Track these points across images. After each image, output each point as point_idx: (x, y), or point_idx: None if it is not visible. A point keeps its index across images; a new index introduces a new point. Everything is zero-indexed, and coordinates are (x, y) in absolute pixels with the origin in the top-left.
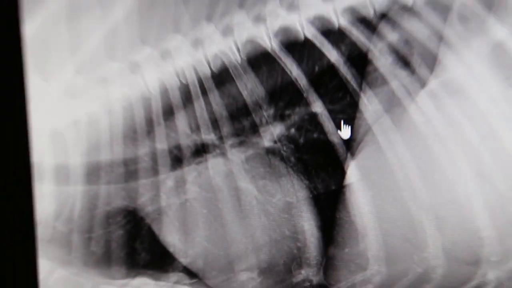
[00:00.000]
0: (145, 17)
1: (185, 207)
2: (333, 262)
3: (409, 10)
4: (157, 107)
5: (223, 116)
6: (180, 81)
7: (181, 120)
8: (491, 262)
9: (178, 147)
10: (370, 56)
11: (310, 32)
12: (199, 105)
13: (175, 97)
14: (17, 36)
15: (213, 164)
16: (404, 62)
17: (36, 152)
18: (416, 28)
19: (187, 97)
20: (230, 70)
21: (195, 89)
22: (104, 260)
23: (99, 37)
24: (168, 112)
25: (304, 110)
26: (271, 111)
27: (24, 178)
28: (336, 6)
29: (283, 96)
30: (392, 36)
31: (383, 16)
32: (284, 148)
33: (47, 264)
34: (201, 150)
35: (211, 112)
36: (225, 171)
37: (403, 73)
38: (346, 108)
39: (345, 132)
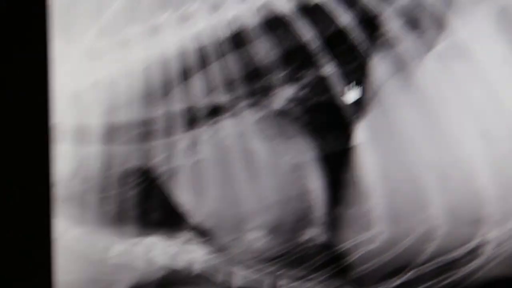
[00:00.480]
0: None
1: (197, 167)
2: (339, 222)
3: None
4: (174, 69)
5: (236, 78)
6: (198, 44)
7: (197, 83)
8: (491, 222)
9: (193, 109)
10: (379, 20)
11: None
12: (214, 67)
13: (192, 60)
14: (43, 1)
15: (226, 125)
16: (412, 25)
17: (56, 112)
18: None
19: (203, 60)
20: (246, 34)
21: (211, 52)
22: (117, 219)
23: (120, 2)
24: (185, 75)
25: (314, 72)
26: (283, 74)
27: (42, 137)
28: None
29: (295, 59)
30: (401, 0)
31: None
32: (294, 110)
33: (62, 223)
34: (214, 112)
35: (225, 75)
36: (237, 132)
37: (410, 37)
38: (355, 71)
39: (353, 94)
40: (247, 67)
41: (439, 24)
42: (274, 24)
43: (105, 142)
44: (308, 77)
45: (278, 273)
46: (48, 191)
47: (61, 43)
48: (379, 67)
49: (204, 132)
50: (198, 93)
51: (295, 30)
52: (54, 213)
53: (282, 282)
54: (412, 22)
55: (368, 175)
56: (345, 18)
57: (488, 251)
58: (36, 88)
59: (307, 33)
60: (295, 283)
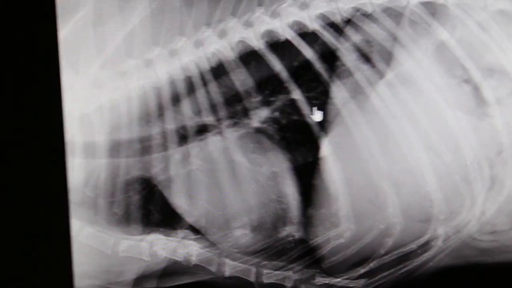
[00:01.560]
0: (157, 22)
1: (189, 176)
2: (311, 221)
3: (369, 16)
4: (166, 95)
5: (220, 102)
6: (185, 74)
7: (186, 106)
8: (440, 220)
9: (184, 127)
10: (338, 53)
11: (289, 34)
12: (200, 93)
13: (181, 87)
14: (54, 38)
15: (212, 141)
16: (366, 58)
17: (68, 131)
18: (375, 31)
19: (190, 87)
20: (225, 65)
21: (197, 81)
22: (124, 220)
23: (119, 39)
24: (175, 99)
25: (285, 97)
26: (259, 98)
27: (59, 153)
28: (310, 13)
29: (268, 85)
30: (355, 37)
31: (348, 21)
32: (270, 128)
33: (78, 223)
34: (202, 130)
35: (210, 99)
36: (222, 146)
37: (365, 67)
38: (320, 95)
39: (319, 115)
40: (228, 93)
41: (388, 57)
42: (249, 58)
43: (110, 156)
44: (280, 101)
45: (262, 263)
46: (65, 196)
47: (70, 74)
48: (339, 92)
49: (194, 147)
50: (188, 114)
51: (267, 62)
52: (71, 215)
53: (266, 271)
54: (365, 55)
55: (335, 182)
56: (308, 52)
57: (437, 244)
58: (51, 112)
59: (277, 64)
60: (277, 272)
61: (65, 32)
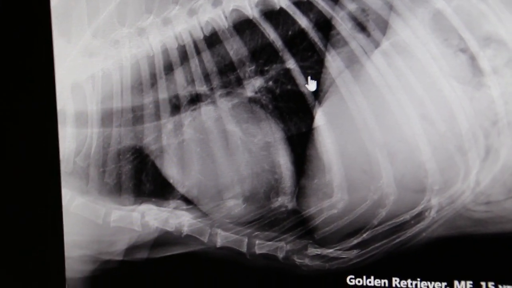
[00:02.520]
0: None
1: (182, 146)
2: (304, 191)
3: None
4: (159, 64)
5: (213, 71)
6: (178, 43)
7: (179, 75)
8: (434, 190)
9: (177, 97)
10: (333, 22)
11: (284, 3)
12: (193, 62)
13: (174, 56)
14: (46, 7)
15: (205, 110)
16: (361, 27)
17: (60, 100)
18: None
19: (184, 56)
20: (219, 34)
21: (190, 50)
22: (115, 190)
23: (112, 7)
24: (168, 68)
25: (279, 66)
26: (253, 67)
27: (50, 122)
28: None
29: (263, 55)
30: (351, 5)
31: None
32: (264, 98)
33: (69, 193)
34: (195, 99)
35: (203, 68)
36: (215, 116)
37: (360, 36)
38: (314, 65)
39: (313, 84)
40: (222, 62)
41: (383, 26)
42: (244, 26)
43: (102, 125)
44: (274, 70)
45: (254, 234)
46: (56, 166)
47: (62, 43)
48: (334, 61)
49: (187, 117)
50: (181, 84)
51: (262, 31)
52: (62, 184)
53: (258, 241)
54: (361, 24)
55: (328, 152)
56: (304, 21)
57: (431, 215)
58: (43, 80)
59: (271, 33)
60: (269, 243)
61: (56, 1)
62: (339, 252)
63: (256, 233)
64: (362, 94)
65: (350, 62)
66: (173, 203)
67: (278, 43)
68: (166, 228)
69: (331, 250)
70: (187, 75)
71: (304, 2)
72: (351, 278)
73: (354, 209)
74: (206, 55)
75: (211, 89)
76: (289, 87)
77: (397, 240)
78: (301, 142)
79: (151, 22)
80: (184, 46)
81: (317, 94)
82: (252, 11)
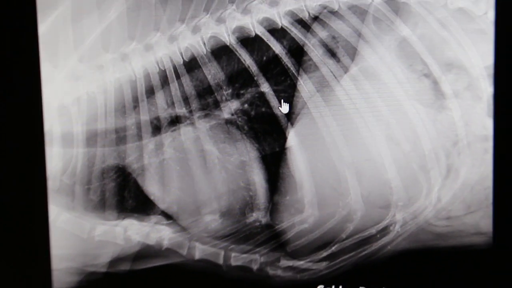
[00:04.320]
0: (132, 18)
1: (162, 164)
2: (277, 207)
3: (335, 13)
4: (141, 88)
5: (192, 94)
6: (159, 68)
7: (160, 98)
8: (398, 206)
9: (158, 118)
10: (305, 48)
11: (259, 30)
12: (174, 86)
13: (155, 80)
14: (34, 33)
15: (185, 131)
16: (331, 53)
17: (47, 122)
18: (340, 27)
19: (164, 80)
20: (198, 60)
21: (170, 74)
22: (100, 206)
23: (96, 34)
24: (150, 92)
25: (254, 90)
26: (229, 91)
27: (37, 142)
28: (279, 10)
29: (239, 79)
30: (322, 33)
31: (315, 18)
32: (239, 119)
33: (56, 209)
34: (175, 121)
35: (183, 92)
36: (193, 137)
37: (331, 62)
38: (287, 89)
39: (286, 107)
40: (200, 86)
41: (352, 52)
42: (221, 52)
43: (87, 145)
44: (250, 93)
45: (230, 247)
46: (44, 184)
47: (49, 67)
48: (306, 85)
49: (167, 137)
50: (161, 106)
51: (238, 56)
52: (49, 201)
53: (234, 254)
54: (331, 51)
55: (300, 170)
56: (277, 47)
57: (395, 229)
58: (30, 103)
59: (247, 59)
60: (244, 255)
61: (44, 27)
62: (310, 263)
63: (232, 246)
64: (332, 116)
65: (320, 86)
66: (154, 218)
67: (253, 68)
68: (147, 242)
69: (302, 262)
70: (168, 98)
71: (278, 29)
72: None
73: (324, 223)
74: (186, 79)
75: (190, 111)
76: (263, 109)
77: (364, 252)
78: (274, 161)
79: (133, 48)
80: (164, 71)
81: (290, 116)
82: (229, 38)
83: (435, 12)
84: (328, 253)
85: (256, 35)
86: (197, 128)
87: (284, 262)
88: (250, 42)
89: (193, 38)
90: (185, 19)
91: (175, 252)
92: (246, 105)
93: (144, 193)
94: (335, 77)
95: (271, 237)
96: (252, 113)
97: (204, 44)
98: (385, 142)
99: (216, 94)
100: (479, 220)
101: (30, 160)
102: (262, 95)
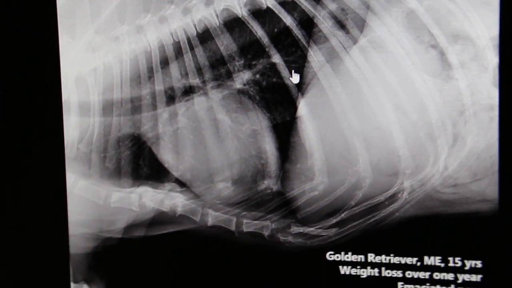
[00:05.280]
0: None
1: (176, 133)
2: (288, 175)
3: None
4: (156, 59)
5: (205, 65)
6: (173, 39)
7: (174, 69)
8: (406, 174)
9: (172, 89)
10: (315, 20)
11: (271, 3)
12: (187, 57)
13: (170, 51)
14: (52, 6)
15: (198, 101)
16: (341, 25)
17: (64, 92)
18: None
19: (178, 52)
20: (211, 31)
21: (184, 45)
22: (115, 174)
23: (113, 6)
24: (164, 63)
25: (266, 61)
26: (242, 62)
27: (55, 111)
28: None
29: (251, 50)
30: (331, 5)
31: None
32: (251, 89)
33: (73, 177)
34: (189, 91)
35: (196, 63)
36: (206, 106)
37: (340, 33)
38: (298, 59)
39: (297, 77)
40: (213, 57)
41: (361, 24)
42: (233, 24)
43: (103, 114)
44: (261, 64)
45: (242, 214)
46: (61, 152)
47: (67, 39)
48: (316, 56)
49: (181, 107)
50: (175, 77)
51: (250, 28)
52: (66, 169)
53: (245, 221)
54: (340, 22)
55: (310, 139)
56: (288, 19)
57: (403, 197)
58: (49, 73)
59: (259, 30)
60: (256, 222)
61: (62, 0)
62: (320, 230)
63: (244, 213)
64: (341, 86)
65: (330, 57)
66: (168, 185)
67: (265, 39)
68: (161, 209)
69: (312, 229)
70: (181, 69)
71: (288, 2)
72: (330, 254)
73: (333, 191)
74: (199, 51)
75: (203, 82)
76: (274, 79)
77: (373, 219)
78: (285, 130)
79: (148, 20)
80: (178, 42)
81: (300, 86)
82: (241, 10)
83: None
84: (337, 220)
85: (268, 7)
86: (210, 98)
87: (295, 229)
88: (261, 14)
89: (206, 10)
90: None
91: (189, 219)
92: (257, 76)
93: (159, 161)
94: (344, 48)
95: (282, 204)
96: (264, 83)
97: (217, 16)
98: (393, 111)
99: (228, 65)
100: (485, 187)
101: (48, 128)
102: (273, 65)
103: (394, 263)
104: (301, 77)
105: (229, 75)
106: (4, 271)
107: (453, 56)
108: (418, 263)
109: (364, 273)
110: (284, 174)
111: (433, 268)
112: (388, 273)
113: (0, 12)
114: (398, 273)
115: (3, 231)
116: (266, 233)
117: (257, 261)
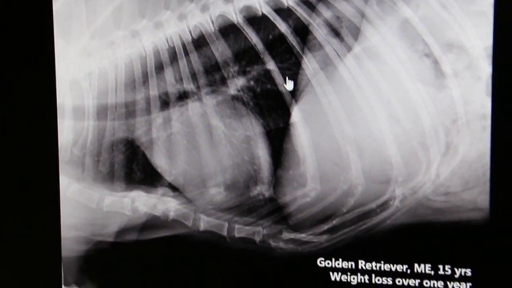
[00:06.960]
0: None
1: (170, 138)
2: (280, 181)
3: None
4: (150, 64)
5: (200, 71)
6: (169, 45)
7: (169, 74)
8: (398, 181)
9: (166, 94)
10: (310, 28)
11: (266, 10)
12: (182, 62)
13: (165, 56)
14: (48, 10)
15: (192, 106)
16: (335, 33)
17: (59, 95)
18: (344, 8)
19: (173, 57)
20: (206, 37)
21: (179, 51)
22: (109, 177)
23: (108, 11)
24: (159, 68)
25: (260, 67)
26: (236, 68)
27: (50, 114)
28: None
29: (245, 56)
30: (326, 13)
31: None
32: (245, 96)
33: (66, 180)
34: (183, 96)
35: (191, 68)
36: (200, 112)
37: (334, 41)
38: (292, 66)
39: (291, 84)
40: (208, 62)
41: (356, 32)
42: (228, 31)
43: (98, 118)
44: (256, 70)
45: (234, 219)
46: (55, 155)
47: (63, 43)
48: (310, 63)
49: (175, 112)
50: (170, 82)
51: (245, 35)
52: (59, 172)
53: (237, 226)
54: (335, 30)
55: (303, 145)
56: (283, 26)
57: (395, 204)
58: (44, 77)
59: (254, 37)
60: (247, 227)
61: (58, 5)
62: (311, 236)
63: (236, 218)
64: (335, 94)
65: (324, 64)
66: (161, 190)
67: (260, 46)
68: (154, 213)
69: (303, 235)
70: (176, 74)
71: (284, 9)
72: (321, 260)
73: (325, 197)
74: (194, 56)
75: (198, 87)
76: (268, 86)
77: (364, 226)
78: (278, 136)
79: (144, 26)
80: (173, 48)
81: (294, 93)
82: (236, 17)
83: None
84: (329, 227)
85: (263, 14)
86: (204, 104)
87: (286, 235)
88: (256, 21)
89: (202, 16)
90: None
91: (181, 223)
92: (252, 82)
93: (152, 166)
94: (339, 56)
95: (274, 210)
96: (258, 89)
97: (212, 22)
98: (386, 119)
99: (223, 70)
100: (477, 196)
101: (43, 131)
102: (267, 72)
103: (384, 270)
104: (295, 84)
105: (224, 81)
106: None
107: (447, 65)
108: (409, 271)
109: (355, 279)
110: (276, 180)
111: (423, 276)
112: (379, 280)
113: None
114: (389, 280)
115: None
116: (257, 238)
117: (248, 266)
